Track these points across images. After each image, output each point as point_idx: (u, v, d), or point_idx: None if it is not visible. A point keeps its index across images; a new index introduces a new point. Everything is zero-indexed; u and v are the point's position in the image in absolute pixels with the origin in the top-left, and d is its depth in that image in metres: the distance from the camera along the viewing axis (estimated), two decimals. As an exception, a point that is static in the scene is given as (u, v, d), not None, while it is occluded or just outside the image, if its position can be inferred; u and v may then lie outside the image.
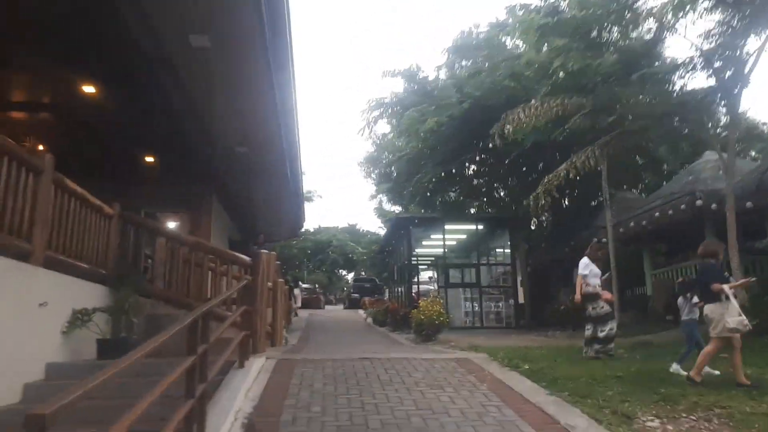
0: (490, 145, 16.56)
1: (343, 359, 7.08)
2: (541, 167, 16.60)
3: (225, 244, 15.64)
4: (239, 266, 8.35)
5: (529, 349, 8.97)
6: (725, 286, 5.93)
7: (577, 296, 8.75)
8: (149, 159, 12.36)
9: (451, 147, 15.98)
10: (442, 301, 12.61)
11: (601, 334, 8.38)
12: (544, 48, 14.84)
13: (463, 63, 18.62)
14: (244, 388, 5.04)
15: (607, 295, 8.84)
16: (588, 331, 8.58)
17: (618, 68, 11.38)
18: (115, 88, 9.27)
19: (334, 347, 10.32)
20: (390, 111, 18.80)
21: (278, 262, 14.92)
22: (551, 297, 20.02)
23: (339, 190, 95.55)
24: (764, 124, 24.09)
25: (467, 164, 17.75)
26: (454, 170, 16.11)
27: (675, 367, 6.76)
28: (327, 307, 37.26)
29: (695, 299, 7.15)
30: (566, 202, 19.96)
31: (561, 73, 12.40)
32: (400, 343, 12.29)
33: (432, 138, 15.84)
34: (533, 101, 10.85)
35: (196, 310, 4.16)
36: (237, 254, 8.45)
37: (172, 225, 14.41)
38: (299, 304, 27.44)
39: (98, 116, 10.29)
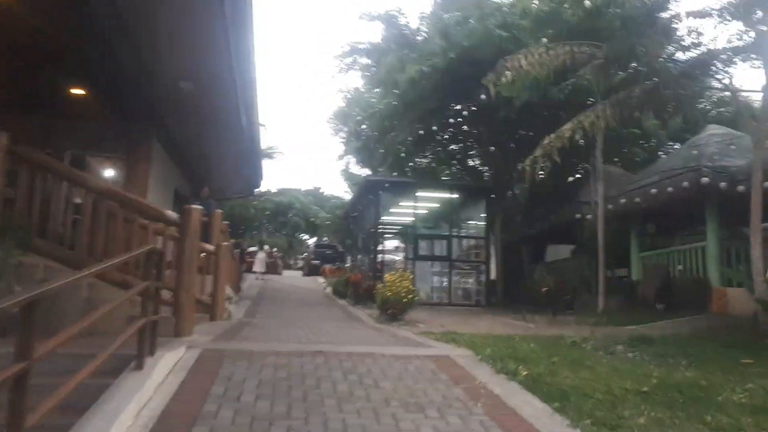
0: (472, 108, 14.96)
1: (290, 352, 5.47)
2: (528, 133, 15.12)
3: (170, 197, 13.72)
4: (164, 224, 6.60)
5: (515, 342, 7.54)
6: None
7: None
8: (78, 90, 10.28)
9: (431, 104, 14.25)
10: (411, 276, 11.10)
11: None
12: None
13: (451, 14, 16.76)
14: (132, 405, 3.37)
15: None
16: None
17: (642, 12, 9.82)
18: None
19: (284, 327, 8.73)
20: (365, 59, 16.86)
21: (226, 222, 13.18)
22: (524, 275, 18.85)
23: (304, 149, 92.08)
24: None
25: (446, 124, 16.02)
26: (433, 128, 14.33)
27: None
28: (285, 272, 35.51)
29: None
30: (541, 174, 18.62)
31: (572, 16, 10.73)
32: (362, 322, 10.78)
33: (411, 91, 14.07)
34: (537, 48, 9.22)
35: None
36: (160, 209, 6.68)
37: (107, 171, 12.42)
38: (263, 269, 25.61)
39: (13, 30, 8.22)
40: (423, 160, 19.57)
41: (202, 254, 9.16)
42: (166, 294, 6.58)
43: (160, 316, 4.67)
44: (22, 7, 7.25)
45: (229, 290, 11.40)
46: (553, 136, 8.65)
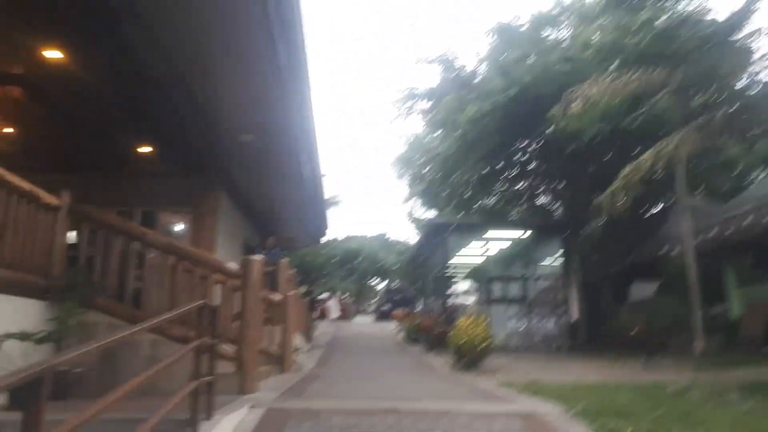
0: (538, 144, 14.34)
1: (360, 411, 5.00)
2: (600, 167, 14.28)
3: (238, 249, 13.79)
4: (225, 276, 6.40)
5: (611, 392, 6.73)
6: None
7: None
8: (144, 149, 10.57)
9: (494, 142, 13.76)
10: (486, 320, 10.43)
11: None
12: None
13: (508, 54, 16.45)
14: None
15: None
16: None
17: (718, 32, 9.09)
18: (100, 65, 7.52)
19: (355, 379, 8.26)
20: (424, 103, 16.67)
21: (294, 270, 13.03)
22: (607, 315, 17.58)
23: (369, 195, 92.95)
24: None
25: (512, 162, 15.42)
26: (498, 166, 13.76)
27: None
28: (356, 318, 35.16)
29: None
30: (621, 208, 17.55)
31: (637, 43, 10.11)
32: (436, 371, 10.15)
33: (472, 132, 13.66)
34: (605, 76, 8.62)
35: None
36: (219, 261, 6.49)
37: (176, 226, 12.65)
38: (337, 314, 25.87)
39: (81, 98, 8.55)
40: (489, 200, 18.93)
41: (270, 304, 8.94)
42: (229, 349, 6.33)
43: (218, 374, 4.35)
44: (76, 65, 7.44)
45: (299, 340, 11.12)
46: (632, 167, 7.96)
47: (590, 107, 8.99)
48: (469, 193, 16.44)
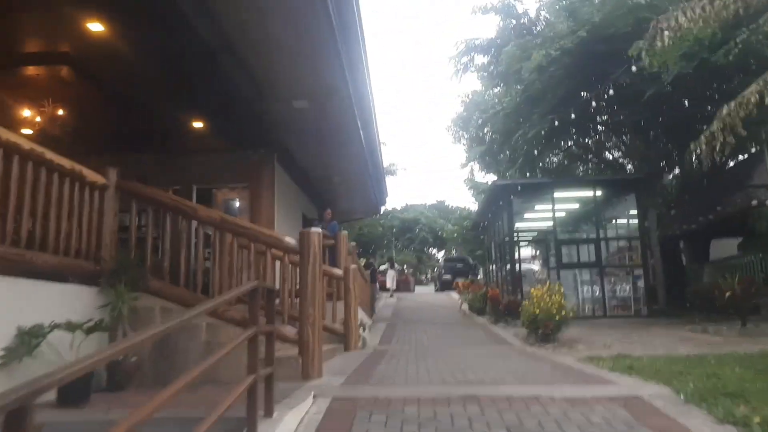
0: (609, 91, 13.16)
1: (435, 399, 4.46)
2: (676, 115, 13.00)
3: (297, 222, 13.49)
4: (282, 251, 5.96)
5: (715, 366, 5.92)
6: None
7: None
8: (196, 124, 10.24)
9: (561, 94, 12.67)
10: (562, 289, 9.66)
11: None
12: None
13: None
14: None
15: None
16: None
17: None
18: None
19: (423, 357, 7.75)
20: (482, 58, 15.63)
21: (353, 243, 12.62)
22: (687, 277, 16.34)
23: (426, 162, 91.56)
24: None
25: (582, 114, 14.20)
26: (566, 119, 12.59)
27: None
28: (417, 288, 34.82)
29: None
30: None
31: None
32: (510, 345, 9.54)
33: (536, 83, 12.63)
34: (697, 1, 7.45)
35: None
36: (276, 234, 6.05)
37: (234, 202, 12.43)
38: (394, 286, 25.84)
39: (129, 74, 8.26)
40: (554, 158, 17.79)
41: (331, 279, 8.56)
42: (291, 330, 5.93)
43: (279, 358, 3.90)
44: (121, 39, 7.08)
45: (362, 315, 10.72)
46: (733, 104, 6.89)
47: (679, 40, 7.87)
48: (535, 151, 15.39)
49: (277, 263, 6.61)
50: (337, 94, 9.35)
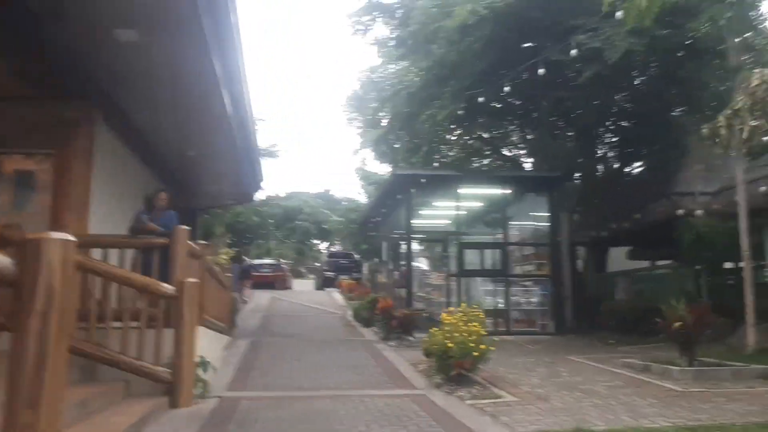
0: (537, 70, 11.13)
1: None
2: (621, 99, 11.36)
3: (134, 208, 10.10)
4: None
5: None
6: None
7: None
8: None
9: (481, 67, 10.46)
10: (481, 314, 7.36)
11: None
12: None
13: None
14: None
15: None
16: None
17: None
18: None
19: (290, 408, 5.06)
20: (385, 25, 13.10)
21: (203, 241, 9.65)
22: (589, 288, 15.08)
23: (315, 146, 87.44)
24: None
25: (499, 96, 12.04)
26: (481, 100, 10.33)
27: None
28: (296, 284, 31.60)
29: None
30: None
31: None
32: (412, 386, 7.06)
33: (453, 53, 10.29)
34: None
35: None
36: None
37: (31, 174, 8.79)
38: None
39: None
40: (463, 150, 15.77)
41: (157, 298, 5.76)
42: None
43: None
44: None
45: (210, 341, 7.75)
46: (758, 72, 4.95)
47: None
48: (447, 136, 13.13)
49: None
50: (184, 26, 6.30)
